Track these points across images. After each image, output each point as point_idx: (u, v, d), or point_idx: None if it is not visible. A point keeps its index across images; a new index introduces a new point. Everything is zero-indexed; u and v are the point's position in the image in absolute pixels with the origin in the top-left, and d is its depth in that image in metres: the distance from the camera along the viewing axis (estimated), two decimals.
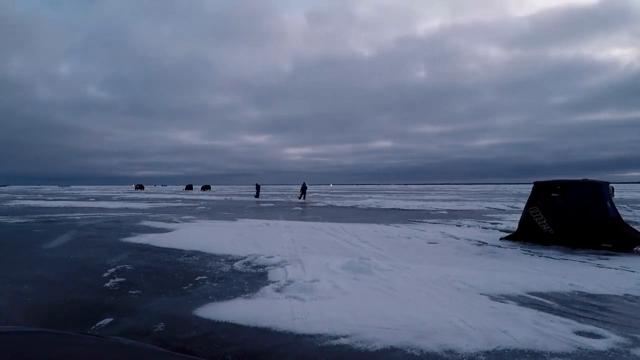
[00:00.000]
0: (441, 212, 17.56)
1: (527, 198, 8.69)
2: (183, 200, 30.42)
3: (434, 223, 12.63)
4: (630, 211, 16.41)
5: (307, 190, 31.82)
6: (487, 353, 2.93)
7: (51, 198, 34.00)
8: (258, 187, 36.31)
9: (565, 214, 7.82)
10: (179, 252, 7.15)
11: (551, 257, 6.85)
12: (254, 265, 6.05)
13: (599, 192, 7.66)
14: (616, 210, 7.80)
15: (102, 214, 16.47)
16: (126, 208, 20.36)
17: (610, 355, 2.93)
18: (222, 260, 6.47)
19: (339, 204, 24.15)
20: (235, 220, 13.63)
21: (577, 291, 4.69)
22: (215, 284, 4.95)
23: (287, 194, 43.53)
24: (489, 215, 15.79)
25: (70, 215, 15.83)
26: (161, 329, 3.43)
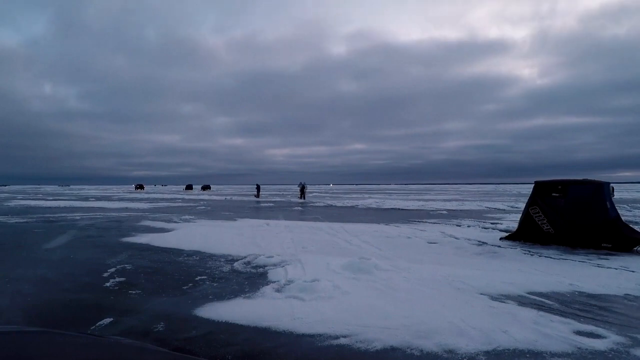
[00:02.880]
0: (441, 212, 17.56)
1: (527, 198, 8.68)
2: (183, 200, 30.43)
3: (434, 223, 12.63)
4: (630, 211, 16.40)
5: (306, 190, 31.80)
6: (487, 353, 2.93)
7: (51, 198, 34.01)
8: (258, 187, 36.49)
9: (566, 213, 7.81)
10: (179, 252, 7.15)
11: (551, 257, 6.85)
12: (254, 265, 6.05)
13: (600, 192, 7.66)
14: (616, 210, 7.80)
15: (102, 213, 16.47)
16: (126, 208, 20.36)
17: (610, 355, 2.92)
18: (222, 260, 6.46)
19: (339, 204, 24.15)
20: (235, 220, 13.63)
21: (577, 291, 4.68)
22: (215, 284, 4.95)
23: (287, 194, 43.53)
24: (489, 215, 15.79)
25: (71, 215, 15.83)
26: (161, 329, 3.43)
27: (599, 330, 3.38)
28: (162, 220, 13.23)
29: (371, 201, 27.10)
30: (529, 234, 8.35)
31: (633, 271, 5.77)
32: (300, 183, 31.59)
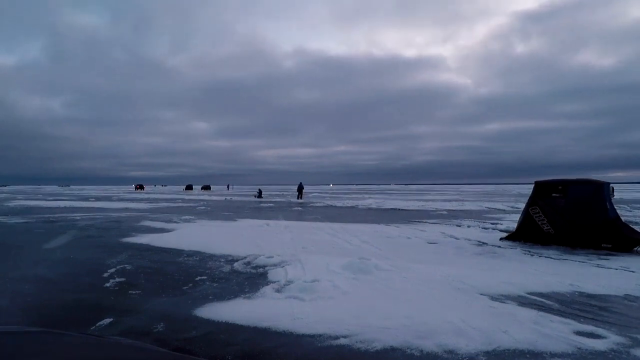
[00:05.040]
0: (441, 212, 17.56)
1: (527, 198, 8.68)
2: (183, 200, 30.43)
3: (434, 223, 12.63)
4: (631, 211, 16.40)
5: (303, 190, 31.84)
6: (487, 353, 2.93)
7: (51, 198, 34.01)
8: (260, 191, 36.84)
9: (566, 213, 7.81)
10: (179, 252, 7.15)
11: (551, 257, 6.85)
12: (254, 265, 6.05)
13: (600, 192, 7.66)
14: (615, 210, 7.80)
15: (102, 214, 16.47)
16: (126, 208, 20.36)
17: (610, 355, 2.92)
18: (222, 260, 6.46)
19: (338, 204, 24.15)
20: (235, 220, 13.63)
21: (577, 291, 4.68)
22: (215, 284, 4.95)
23: (287, 194, 43.53)
24: (489, 215, 15.79)
25: (71, 215, 15.83)
26: (161, 329, 3.43)
27: (599, 330, 3.38)
28: (162, 221, 13.23)
29: (371, 201, 27.09)
30: (529, 234, 8.35)
31: (633, 271, 5.77)
32: (300, 183, 31.84)
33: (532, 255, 7.07)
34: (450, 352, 2.95)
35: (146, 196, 39.58)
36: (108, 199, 32.90)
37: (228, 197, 34.95)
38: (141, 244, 8.10)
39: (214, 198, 34.26)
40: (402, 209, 19.59)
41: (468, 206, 21.22)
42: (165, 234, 9.67)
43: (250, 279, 5.24)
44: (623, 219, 7.99)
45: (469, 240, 8.76)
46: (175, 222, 12.87)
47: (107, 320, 3.61)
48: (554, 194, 8.13)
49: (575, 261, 6.54)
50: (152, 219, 13.82)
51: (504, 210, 18.65)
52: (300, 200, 29.01)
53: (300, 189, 31.42)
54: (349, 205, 23.54)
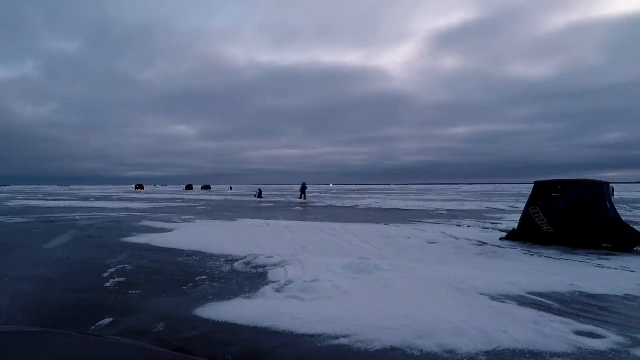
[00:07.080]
0: (441, 212, 17.55)
1: (527, 198, 8.68)
2: (183, 200, 30.43)
3: (434, 223, 12.63)
4: (631, 211, 16.40)
5: (306, 190, 31.86)
6: (487, 353, 2.93)
7: (51, 198, 34.01)
8: (260, 191, 36.96)
9: (566, 213, 7.81)
10: (179, 252, 7.15)
11: (551, 257, 6.85)
12: (254, 265, 6.05)
13: (600, 192, 7.66)
14: (616, 210, 7.80)
15: (102, 214, 16.47)
16: (126, 208, 20.35)
17: (610, 355, 2.92)
18: (222, 260, 6.46)
19: (339, 204, 24.15)
20: (235, 220, 13.63)
21: (577, 291, 4.68)
22: (215, 284, 4.95)
23: (287, 194, 43.53)
24: (489, 215, 15.79)
25: (71, 215, 15.83)
26: (161, 329, 3.43)
27: (599, 330, 3.38)
28: (162, 221, 13.23)
29: (371, 201, 27.10)
30: (529, 234, 8.34)
31: (633, 271, 5.77)
32: (304, 184, 31.86)
33: (532, 255, 7.07)
34: (450, 352, 2.95)
35: (146, 196, 39.58)
36: (108, 199, 32.90)
37: (228, 197, 34.96)
38: (141, 244, 8.10)
39: (214, 198, 34.26)
40: (402, 209, 19.59)
41: (468, 206, 21.21)
42: (165, 234, 9.67)
43: (250, 279, 5.24)
44: (623, 219, 7.99)
45: (469, 240, 8.76)
46: (175, 222, 12.87)
47: (107, 320, 3.61)
48: (553, 194, 8.13)
49: (575, 261, 6.54)
50: (152, 219, 13.82)
51: (504, 210, 18.65)
52: (301, 200, 29.02)
53: (303, 189, 31.44)
54: (348, 205, 23.55)
